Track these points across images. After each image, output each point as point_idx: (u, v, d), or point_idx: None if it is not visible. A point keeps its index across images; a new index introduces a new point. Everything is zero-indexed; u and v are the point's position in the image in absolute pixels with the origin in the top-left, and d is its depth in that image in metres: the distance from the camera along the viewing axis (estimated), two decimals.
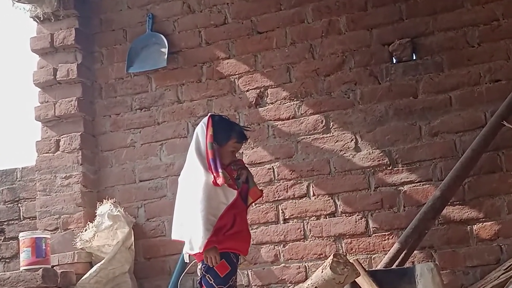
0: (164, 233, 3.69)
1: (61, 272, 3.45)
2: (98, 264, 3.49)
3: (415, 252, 3.22)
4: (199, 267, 2.63)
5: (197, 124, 2.72)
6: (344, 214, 3.41)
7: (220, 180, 2.49)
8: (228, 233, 2.58)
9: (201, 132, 2.62)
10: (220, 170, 2.50)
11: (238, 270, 2.66)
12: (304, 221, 3.48)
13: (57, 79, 3.89)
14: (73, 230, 3.71)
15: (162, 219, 3.74)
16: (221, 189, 2.52)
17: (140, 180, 3.83)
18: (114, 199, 3.74)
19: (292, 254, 3.47)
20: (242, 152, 3.57)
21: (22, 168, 4.05)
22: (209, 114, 2.68)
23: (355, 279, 2.65)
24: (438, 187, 3.20)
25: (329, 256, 2.56)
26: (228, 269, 2.55)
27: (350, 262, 2.50)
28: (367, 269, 2.99)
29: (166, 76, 3.85)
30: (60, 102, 3.90)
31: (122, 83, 3.95)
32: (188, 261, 2.71)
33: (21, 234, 3.48)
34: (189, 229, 2.53)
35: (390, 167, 3.39)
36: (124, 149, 3.89)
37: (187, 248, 2.55)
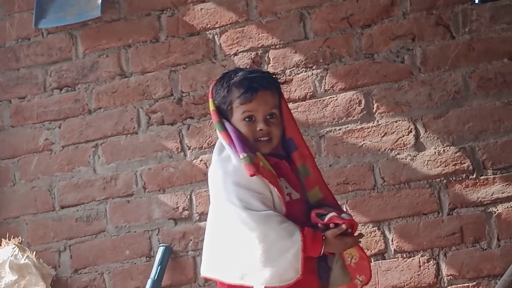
0: None
1: None
2: None
3: None
4: None
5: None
6: (400, 254, 2.90)
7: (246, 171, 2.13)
8: None
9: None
10: (242, 154, 2.14)
11: None
12: None
13: None
14: None
15: (99, 269, 3.15)
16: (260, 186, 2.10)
17: (62, 206, 3.25)
18: (20, 237, 3.22)
19: None
20: None
21: None
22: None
23: None
24: None
25: None
26: None
27: None
28: None
29: (101, 33, 3.31)
30: None
31: (28, 46, 3.40)
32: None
33: None
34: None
35: (474, 175, 2.89)
36: (34, 155, 3.32)
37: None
